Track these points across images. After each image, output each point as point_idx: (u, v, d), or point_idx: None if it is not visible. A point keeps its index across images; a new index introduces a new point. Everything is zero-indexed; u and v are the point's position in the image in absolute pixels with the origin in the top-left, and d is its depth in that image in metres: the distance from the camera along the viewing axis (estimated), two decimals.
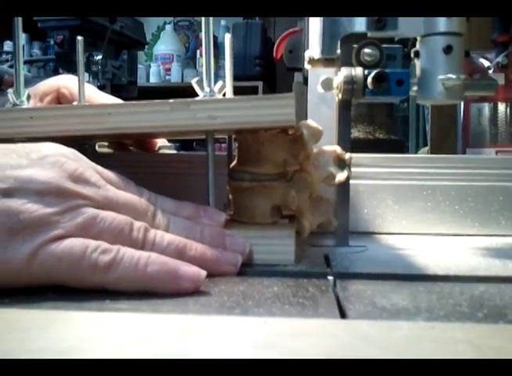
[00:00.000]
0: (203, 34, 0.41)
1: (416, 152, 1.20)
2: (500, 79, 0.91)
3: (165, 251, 0.36)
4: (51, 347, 0.24)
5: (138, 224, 0.36)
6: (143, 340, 0.25)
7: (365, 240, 0.54)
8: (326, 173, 0.47)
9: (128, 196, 0.38)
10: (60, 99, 0.60)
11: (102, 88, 1.38)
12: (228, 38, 0.44)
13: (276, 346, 0.24)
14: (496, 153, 0.88)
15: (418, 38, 0.49)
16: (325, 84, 0.51)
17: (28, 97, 0.45)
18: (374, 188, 0.59)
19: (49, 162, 0.35)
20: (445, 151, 0.99)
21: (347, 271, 0.41)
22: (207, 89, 0.42)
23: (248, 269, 0.40)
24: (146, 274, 0.34)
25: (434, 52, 0.48)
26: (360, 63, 0.48)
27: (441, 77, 0.48)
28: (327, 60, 0.52)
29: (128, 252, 0.34)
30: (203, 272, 0.35)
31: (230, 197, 0.46)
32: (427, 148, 1.10)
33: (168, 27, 3.07)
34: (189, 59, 3.03)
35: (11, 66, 1.52)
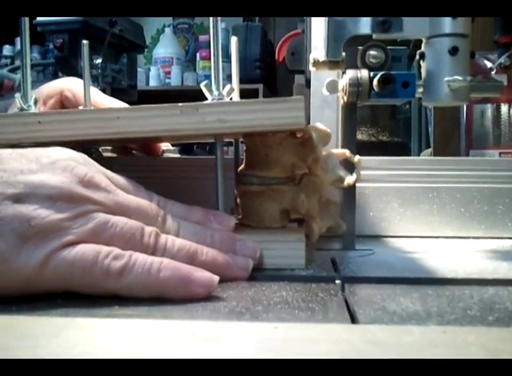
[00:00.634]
0: (211, 37, 0.40)
1: (418, 154, 1.20)
2: (503, 80, 0.91)
3: (176, 256, 0.36)
4: (60, 354, 0.23)
5: (149, 229, 0.36)
6: (153, 346, 0.25)
7: (371, 243, 0.54)
8: (335, 176, 0.47)
9: (138, 200, 0.38)
10: (64, 101, 0.60)
11: (102, 91, 1.37)
12: (234, 41, 0.44)
13: (289, 352, 0.24)
14: (500, 154, 0.87)
15: (423, 40, 0.49)
16: (330, 87, 0.50)
17: (35, 101, 0.45)
18: (379, 191, 0.58)
19: (60, 167, 0.35)
20: (448, 153, 0.98)
21: (355, 275, 0.40)
22: (215, 93, 0.41)
23: (258, 273, 0.40)
24: (158, 280, 0.33)
25: (439, 54, 0.48)
26: (365, 65, 0.48)
27: (447, 78, 0.47)
28: (332, 63, 0.51)
29: (140, 258, 0.34)
30: (216, 278, 0.34)
31: (238, 201, 0.46)
32: (429, 150, 1.09)
33: (168, 30, 3.06)
34: (189, 62, 3.03)
35: (10, 71, 1.52)
